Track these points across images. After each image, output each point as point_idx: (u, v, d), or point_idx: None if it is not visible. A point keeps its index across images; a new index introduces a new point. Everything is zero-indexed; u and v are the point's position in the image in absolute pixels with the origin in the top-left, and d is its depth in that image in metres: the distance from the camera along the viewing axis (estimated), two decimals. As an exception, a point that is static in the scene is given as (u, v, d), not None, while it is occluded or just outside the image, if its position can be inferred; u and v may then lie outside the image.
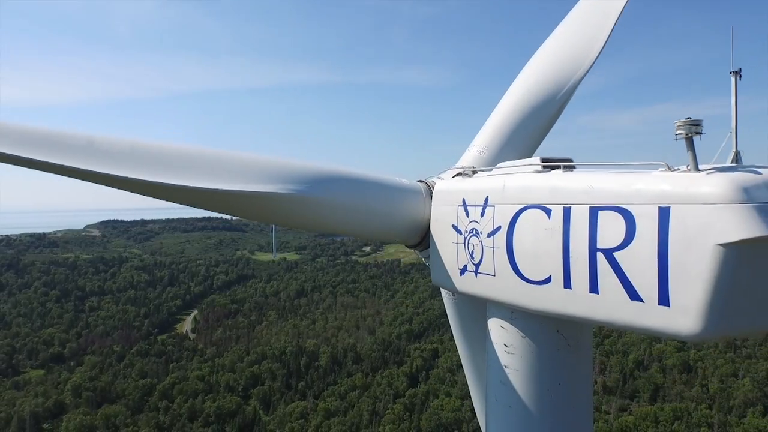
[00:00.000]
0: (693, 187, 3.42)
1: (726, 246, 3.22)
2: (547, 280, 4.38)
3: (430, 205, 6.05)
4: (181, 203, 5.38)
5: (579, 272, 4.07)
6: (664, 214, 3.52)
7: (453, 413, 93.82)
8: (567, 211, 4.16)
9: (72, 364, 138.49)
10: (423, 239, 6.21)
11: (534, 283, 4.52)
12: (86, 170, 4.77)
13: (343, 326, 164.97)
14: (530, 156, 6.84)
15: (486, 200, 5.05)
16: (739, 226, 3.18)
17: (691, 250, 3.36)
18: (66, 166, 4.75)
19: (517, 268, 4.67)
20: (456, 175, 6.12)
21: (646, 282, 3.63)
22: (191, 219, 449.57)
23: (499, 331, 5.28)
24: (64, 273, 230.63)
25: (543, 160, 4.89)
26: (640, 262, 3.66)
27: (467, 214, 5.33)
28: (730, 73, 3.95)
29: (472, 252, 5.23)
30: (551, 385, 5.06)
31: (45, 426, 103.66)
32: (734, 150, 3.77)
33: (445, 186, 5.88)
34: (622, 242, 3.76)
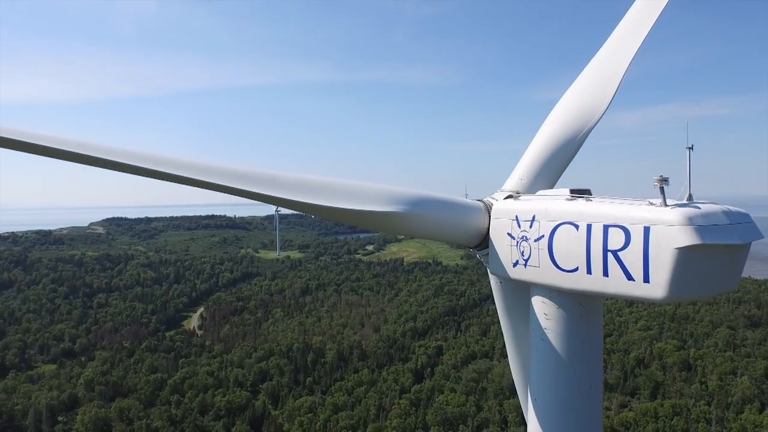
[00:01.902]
0: (663, 216, 6.01)
1: (680, 249, 5.80)
2: (576, 269, 6.96)
3: (488, 218, 8.63)
4: (328, 218, 8.00)
5: (596, 264, 6.66)
6: (647, 230, 6.11)
7: (458, 408, 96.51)
8: (589, 227, 6.75)
9: (83, 359, 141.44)
10: (481, 242, 8.81)
11: (566, 271, 7.11)
12: (273, 196, 7.37)
13: (348, 324, 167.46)
14: (556, 180, 9.48)
15: (533, 217, 7.63)
16: (686, 238, 5.77)
17: (661, 251, 5.95)
18: (257, 192, 7.33)
19: (555, 261, 7.25)
20: (507, 197, 8.73)
21: (636, 269, 6.22)
22: (195, 217, 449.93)
23: (540, 304, 7.87)
24: (71, 270, 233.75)
25: (571, 191, 7.52)
26: (633, 258, 6.25)
27: (519, 226, 7.91)
28: (686, 147, 6.53)
29: (523, 251, 7.81)
30: (576, 341, 7.65)
31: (60, 418, 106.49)
32: (688, 193, 6.42)
33: (502, 206, 8.46)
34: (623, 246, 6.34)
